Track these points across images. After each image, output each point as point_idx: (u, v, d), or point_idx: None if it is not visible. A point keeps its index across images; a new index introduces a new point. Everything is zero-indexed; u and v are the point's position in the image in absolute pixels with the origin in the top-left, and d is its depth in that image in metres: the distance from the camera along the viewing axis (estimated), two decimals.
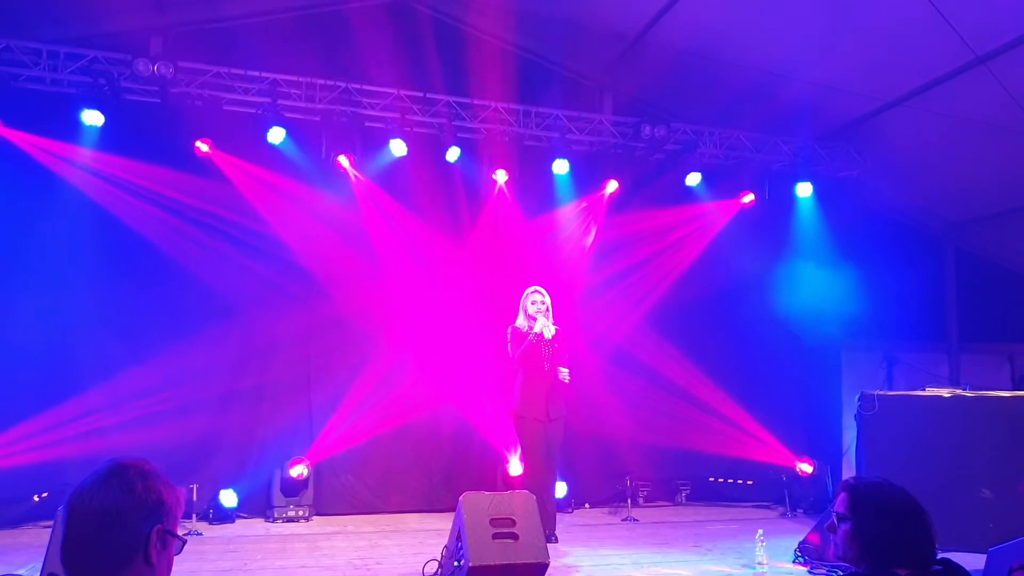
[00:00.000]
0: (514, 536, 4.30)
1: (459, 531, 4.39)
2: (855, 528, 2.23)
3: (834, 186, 8.66)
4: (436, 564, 4.63)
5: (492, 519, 4.34)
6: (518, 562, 4.22)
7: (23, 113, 6.68)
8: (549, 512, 5.96)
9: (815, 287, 8.12)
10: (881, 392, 6.03)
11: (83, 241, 6.80)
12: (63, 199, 6.76)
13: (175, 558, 1.80)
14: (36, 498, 6.54)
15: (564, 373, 6.10)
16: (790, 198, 8.55)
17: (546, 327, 5.99)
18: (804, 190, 8.46)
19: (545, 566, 4.29)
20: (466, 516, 4.35)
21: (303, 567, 5.19)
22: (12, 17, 6.70)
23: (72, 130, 6.78)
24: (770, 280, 8.30)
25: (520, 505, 4.47)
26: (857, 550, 2.23)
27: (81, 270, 6.79)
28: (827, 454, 7.97)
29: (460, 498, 4.49)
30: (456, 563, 4.34)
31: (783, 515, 7.54)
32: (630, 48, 7.99)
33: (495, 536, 4.28)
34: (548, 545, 5.50)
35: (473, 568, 4.15)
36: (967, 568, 2.16)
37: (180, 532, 1.81)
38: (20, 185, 6.66)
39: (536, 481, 5.93)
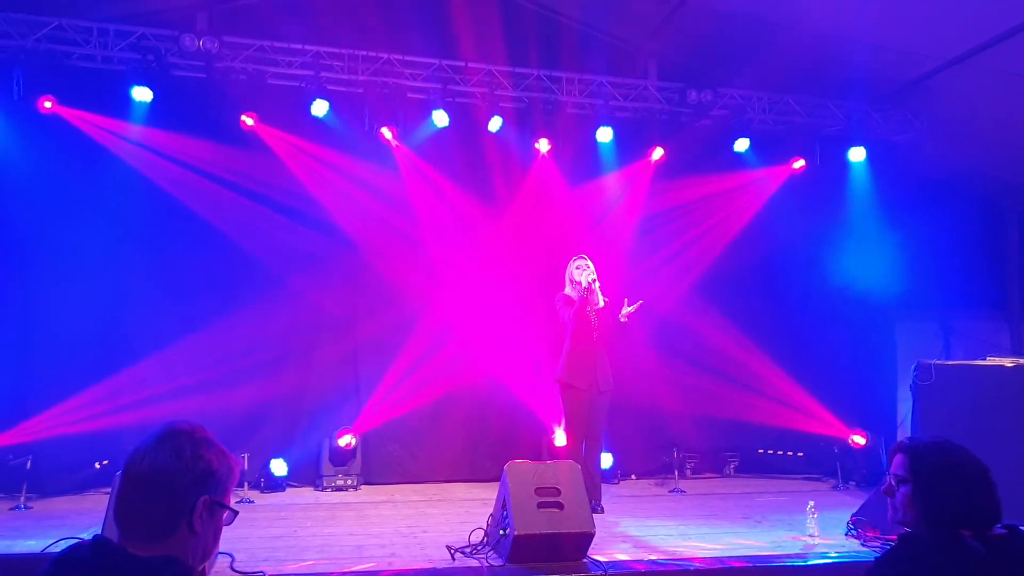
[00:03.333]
0: (559, 505, 4.28)
1: (504, 500, 4.39)
2: (916, 490, 2.16)
3: (888, 150, 8.39)
4: (482, 532, 4.65)
5: (537, 488, 4.33)
6: (563, 531, 4.20)
7: (76, 90, 6.83)
8: (594, 482, 5.95)
9: (868, 255, 7.90)
10: (938, 362, 5.82)
11: (134, 215, 6.95)
12: (115, 174, 6.92)
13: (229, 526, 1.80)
14: (97, 465, 6.72)
15: (625, 313, 5.89)
16: (842, 163, 8.31)
17: (593, 283, 5.93)
18: (857, 155, 8.21)
19: (591, 536, 4.27)
20: (511, 485, 4.35)
21: (351, 535, 5.27)
22: None
23: (122, 106, 6.91)
24: (821, 248, 8.13)
25: (565, 475, 4.45)
26: (919, 513, 2.15)
27: (133, 243, 6.97)
28: (881, 426, 7.77)
29: (505, 467, 4.49)
30: (502, 531, 4.35)
31: (835, 487, 7.39)
32: (675, 12, 7.77)
33: (540, 505, 4.27)
34: (594, 515, 5.56)
35: (518, 537, 4.15)
36: None
37: (233, 501, 1.81)
38: (73, 161, 6.84)
39: (580, 450, 5.93)
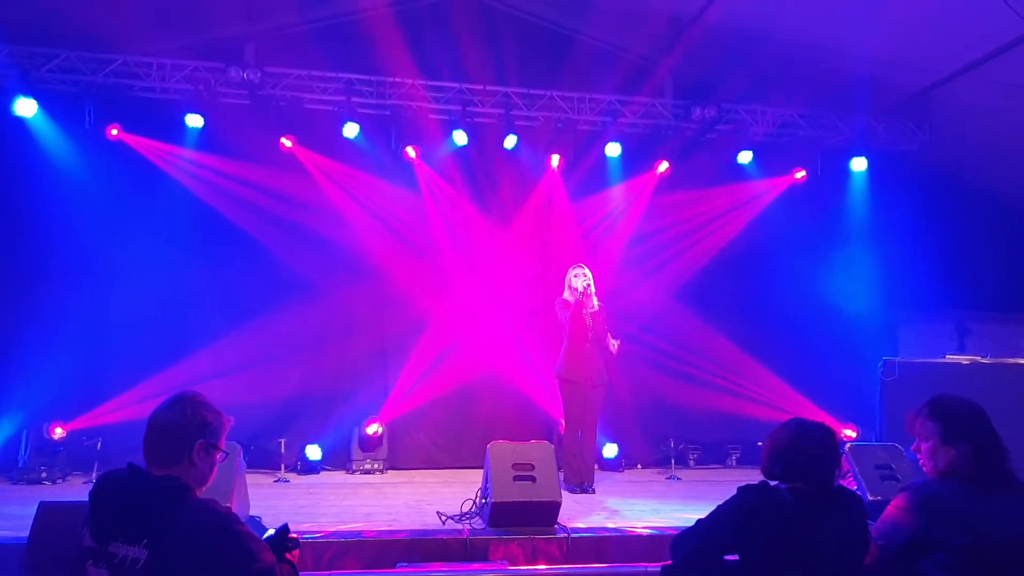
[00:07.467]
0: (532, 478, 4.92)
1: (487, 474, 5.06)
2: (769, 442, 2.84)
3: (892, 160, 8.73)
4: (471, 503, 5.31)
5: (514, 464, 4.98)
6: (534, 499, 4.84)
7: (137, 118, 7.78)
8: (588, 466, 6.59)
9: (866, 259, 8.26)
10: (902, 359, 6.24)
11: (189, 227, 7.86)
12: (172, 193, 7.85)
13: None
14: None
15: (614, 344, 6.64)
16: (844, 173, 8.69)
17: (588, 288, 6.54)
18: (859, 165, 8.58)
19: (558, 504, 4.89)
20: (492, 461, 5.02)
21: (365, 505, 6.01)
22: (129, 30, 7.61)
23: (177, 132, 7.83)
24: (820, 253, 8.53)
25: (539, 453, 5.09)
26: (766, 462, 2.83)
27: (187, 252, 7.83)
28: (875, 422, 8.11)
29: (488, 447, 5.16)
30: (483, 500, 5.02)
31: None
32: (686, 29, 8.19)
33: (516, 478, 4.92)
34: (584, 494, 6.24)
35: (496, 504, 4.81)
36: None
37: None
38: (134, 182, 7.75)
39: (576, 437, 6.56)
